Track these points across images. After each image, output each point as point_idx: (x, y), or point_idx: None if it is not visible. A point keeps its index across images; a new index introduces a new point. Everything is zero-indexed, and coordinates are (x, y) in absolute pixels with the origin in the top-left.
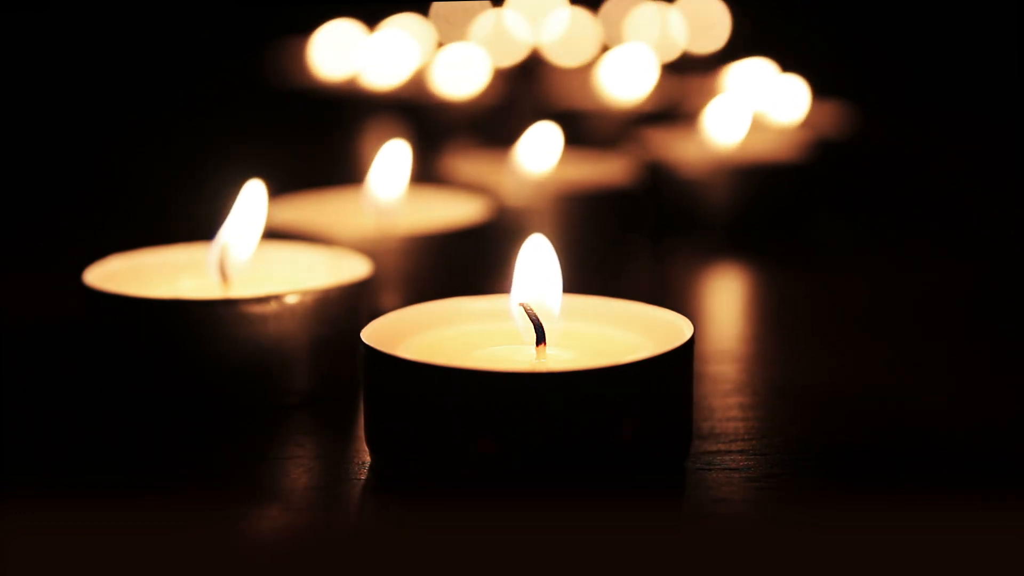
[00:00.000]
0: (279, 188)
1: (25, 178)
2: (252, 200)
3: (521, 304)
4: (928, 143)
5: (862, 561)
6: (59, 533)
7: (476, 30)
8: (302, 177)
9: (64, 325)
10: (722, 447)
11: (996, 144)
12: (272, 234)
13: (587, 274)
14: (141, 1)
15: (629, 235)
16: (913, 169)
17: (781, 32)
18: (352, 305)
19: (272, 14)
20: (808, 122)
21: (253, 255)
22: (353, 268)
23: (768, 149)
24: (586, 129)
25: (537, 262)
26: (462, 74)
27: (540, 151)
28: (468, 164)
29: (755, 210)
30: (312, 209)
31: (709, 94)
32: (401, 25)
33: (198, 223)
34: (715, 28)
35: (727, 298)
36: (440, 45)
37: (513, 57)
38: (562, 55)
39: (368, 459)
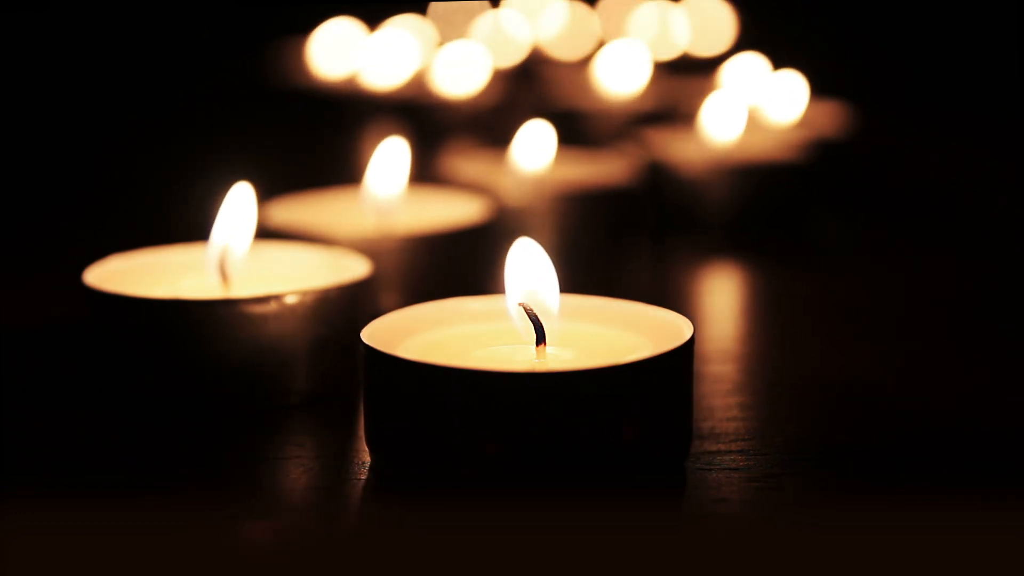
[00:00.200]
0: (279, 188)
1: (25, 178)
2: (241, 202)
3: (521, 304)
4: (927, 143)
5: (862, 561)
6: (59, 533)
7: (476, 29)
8: (302, 177)
9: (64, 325)
10: (722, 447)
11: (996, 144)
12: (272, 234)
13: (586, 274)
14: (141, 1)
15: (628, 235)
16: (912, 169)
17: (781, 31)
18: (352, 305)
19: (272, 14)
20: (806, 121)
21: (249, 255)
22: (353, 268)
23: (767, 148)
24: (585, 128)
25: (527, 265)
26: (462, 73)
27: (535, 149)
28: (468, 164)
29: (754, 210)
30: (312, 209)
31: (708, 94)
32: (401, 25)
33: (198, 223)
34: (719, 30)
35: (726, 298)
36: (440, 44)
37: (512, 56)
38: (561, 51)
39: (368, 459)
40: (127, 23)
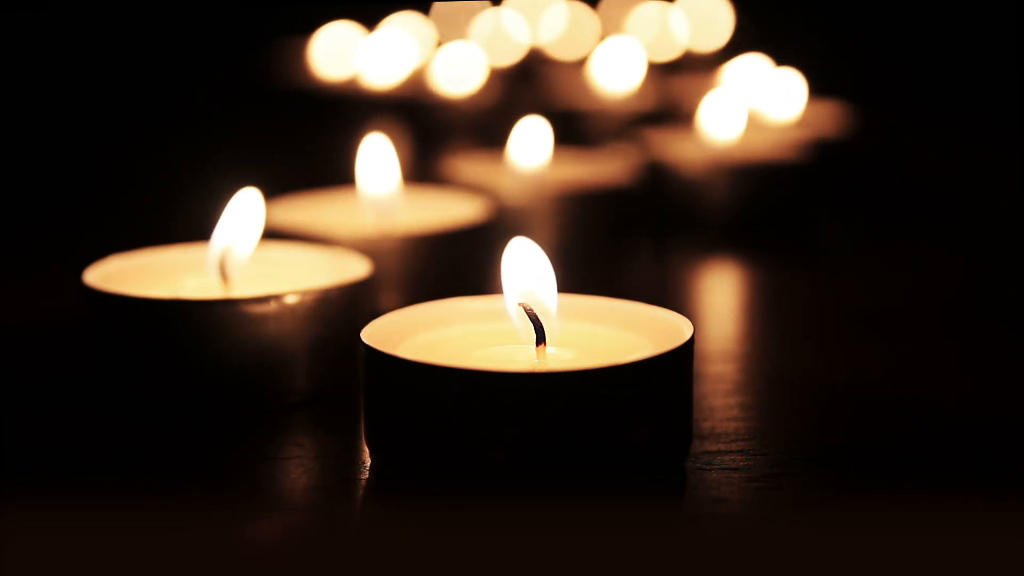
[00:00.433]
0: (279, 188)
1: (25, 178)
2: (247, 204)
3: (520, 304)
4: (927, 143)
5: (862, 561)
6: (59, 533)
7: (475, 29)
8: (302, 177)
9: (64, 325)
10: (722, 447)
11: (996, 144)
12: (272, 234)
13: (586, 274)
14: (141, 1)
15: (628, 235)
16: (912, 169)
17: (781, 30)
18: (352, 305)
19: (272, 14)
20: (806, 120)
21: (252, 255)
22: (353, 268)
23: (767, 148)
24: (585, 128)
25: (524, 264)
26: (461, 73)
27: (532, 147)
28: (468, 164)
29: (754, 210)
30: (312, 209)
31: (708, 93)
32: (400, 24)
33: (198, 223)
34: (717, 26)
35: (727, 298)
36: (440, 44)
37: (512, 56)
38: (561, 51)
39: (368, 459)
40: (127, 23)
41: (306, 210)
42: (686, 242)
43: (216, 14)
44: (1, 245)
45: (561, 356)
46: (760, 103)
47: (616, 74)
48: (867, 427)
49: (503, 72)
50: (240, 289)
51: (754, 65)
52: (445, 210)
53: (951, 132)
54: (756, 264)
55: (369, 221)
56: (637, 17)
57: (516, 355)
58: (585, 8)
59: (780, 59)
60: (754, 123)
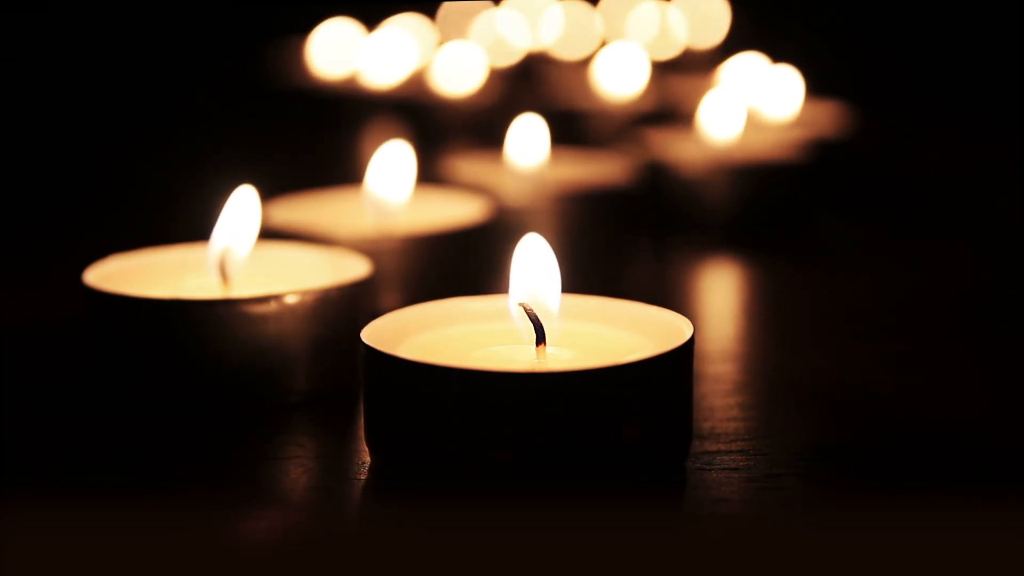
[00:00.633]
0: (279, 188)
1: (25, 178)
2: (244, 204)
3: (521, 304)
4: (927, 142)
5: (862, 561)
6: (59, 533)
7: (475, 29)
8: (302, 177)
9: (64, 325)
10: (722, 447)
11: (996, 143)
12: (272, 234)
13: (587, 274)
14: (141, 1)
15: (628, 235)
16: (912, 168)
17: (780, 28)
18: (352, 305)
19: (272, 14)
20: (805, 120)
21: (253, 255)
22: (353, 268)
23: (766, 148)
24: (585, 128)
25: (533, 261)
26: (461, 73)
27: (530, 146)
28: (468, 164)
29: (754, 209)
30: (312, 209)
31: (707, 92)
32: (400, 24)
33: (198, 223)
34: (714, 24)
35: (727, 298)
36: (440, 44)
37: (512, 56)
38: (561, 51)
39: (368, 459)
40: (127, 23)
41: (306, 210)
42: (686, 242)
43: (216, 14)
44: (1, 245)
45: (561, 356)
46: (758, 101)
47: (618, 77)
48: (867, 427)
49: (503, 72)
50: (240, 289)
51: (751, 63)
52: (445, 210)
53: (951, 132)
54: (756, 264)
55: (369, 221)
56: (636, 16)
57: (516, 355)
58: (585, 8)
59: (777, 57)
60: (753, 123)
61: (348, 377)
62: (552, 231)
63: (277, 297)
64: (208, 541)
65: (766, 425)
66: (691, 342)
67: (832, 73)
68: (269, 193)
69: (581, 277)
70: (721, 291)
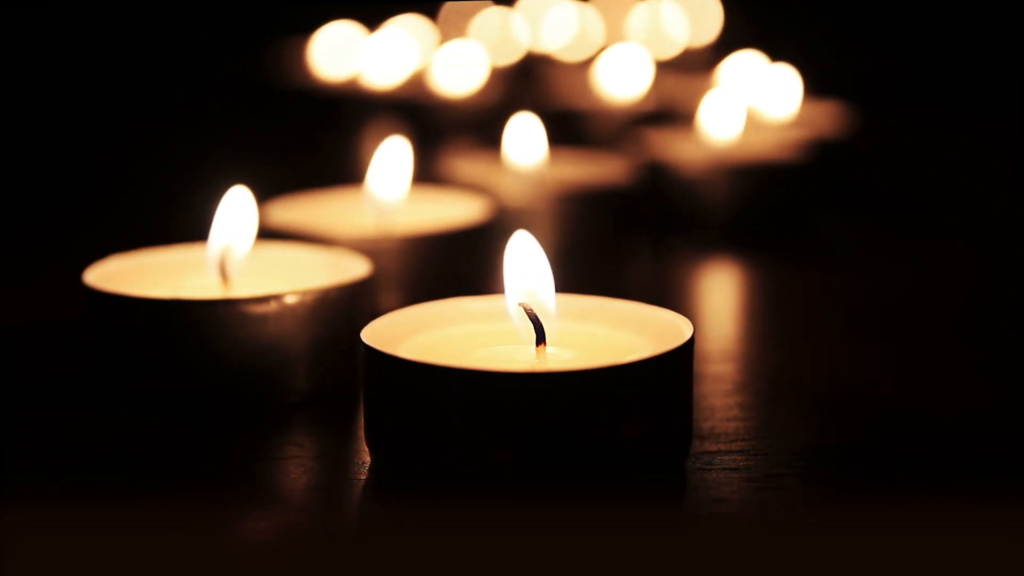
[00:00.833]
0: (279, 188)
1: (25, 178)
2: (239, 204)
3: (520, 304)
4: (928, 142)
5: (862, 561)
6: (59, 533)
7: (475, 28)
8: (302, 177)
9: (64, 325)
10: (722, 447)
11: (996, 143)
12: (272, 234)
13: (587, 274)
14: (141, 1)
15: (628, 235)
16: (912, 169)
17: (779, 29)
18: (352, 305)
19: (272, 14)
20: (805, 120)
21: (253, 255)
22: (353, 268)
23: (766, 148)
24: (585, 128)
25: (525, 259)
26: (462, 73)
27: (527, 144)
28: (468, 164)
29: (754, 210)
30: (312, 209)
31: (706, 92)
32: (401, 24)
33: (198, 223)
34: (712, 23)
35: (727, 298)
36: (440, 44)
37: (512, 56)
38: (562, 52)
39: (368, 459)
40: (127, 23)
41: (306, 210)
42: (686, 242)
43: (216, 14)
44: (1, 245)
45: (561, 356)
46: (756, 100)
47: (621, 79)
48: (867, 427)
49: (504, 71)
50: (240, 289)
51: (750, 62)
52: (445, 210)
53: (951, 132)
54: (756, 264)
55: (369, 221)
56: (634, 16)
57: (516, 355)
58: (586, 7)
59: (775, 55)
60: (753, 123)
61: (348, 377)
62: (552, 231)
63: (277, 297)
64: (208, 541)
65: (766, 425)
66: (691, 342)
67: (832, 73)
68: (269, 193)
69: (581, 277)
70: (721, 291)
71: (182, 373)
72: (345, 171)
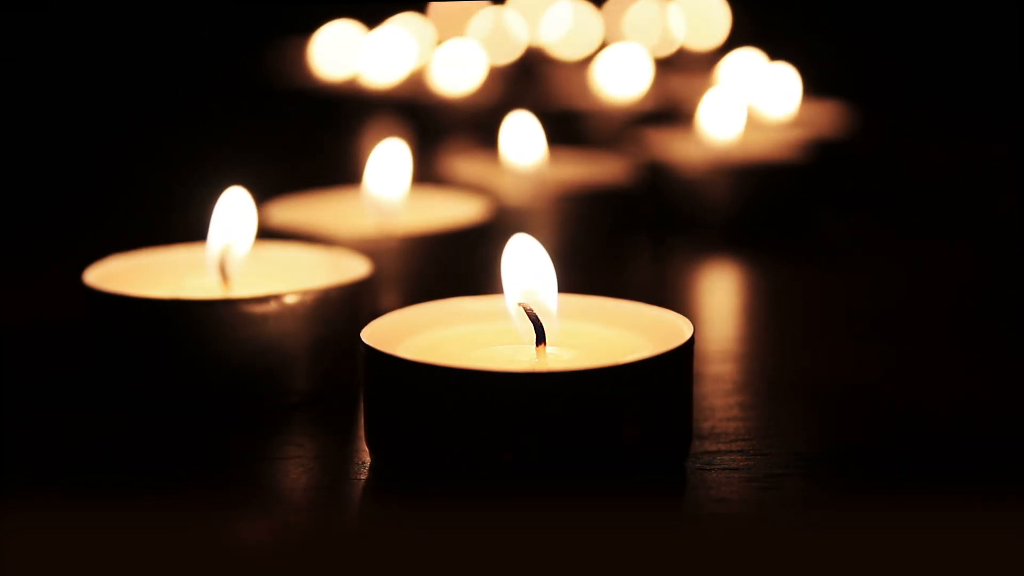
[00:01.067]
0: (279, 188)
1: (25, 178)
2: (237, 204)
3: (520, 304)
4: (928, 142)
5: (862, 561)
6: (59, 533)
7: (474, 27)
8: (302, 177)
9: (64, 325)
10: (722, 447)
11: (996, 143)
12: (272, 234)
13: (587, 274)
14: (141, 1)
15: (628, 235)
16: (912, 168)
17: (779, 28)
18: (352, 305)
19: (272, 14)
20: (805, 119)
21: (253, 255)
22: (353, 268)
23: (767, 148)
24: (585, 128)
25: (525, 260)
26: (460, 72)
27: (525, 144)
28: (468, 164)
29: (754, 210)
30: (312, 209)
31: (706, 91)
32: (400, 23)
33: (198, 223)
34: (713, 23)
35: (727, 298)
36: (438, 43)
37: (511, 55)
38: (562, 51)
39: (368, 459)
40: (127, 23)
41: (306, 210)
42: (686, 242)
43: (216, 14)
44: (1, 245)
45: (561, 356)
46: (756, 100)
47: (621, 78)
48: (867, 427)
49: (503, 70)
50: (240, 289)
51: (749, 61)
52: (445, 210)
53: (951, 132)
54: (756, 264)
55: (369, 221)
56: (634, 14)
57: (516, 355)
58: (586, 7)
59: (775, 55)
60: (753, 122)
61: (348, 377)
62: (552, 231)
63: (277, 297)
64: (208, 541)
65: (766, 425)
66: (691, 342)
67: (832, 73)
68: (269, 193)
69: (581, 277)
70: (721, 291)
71: (182, 373)
72: (345, 171)
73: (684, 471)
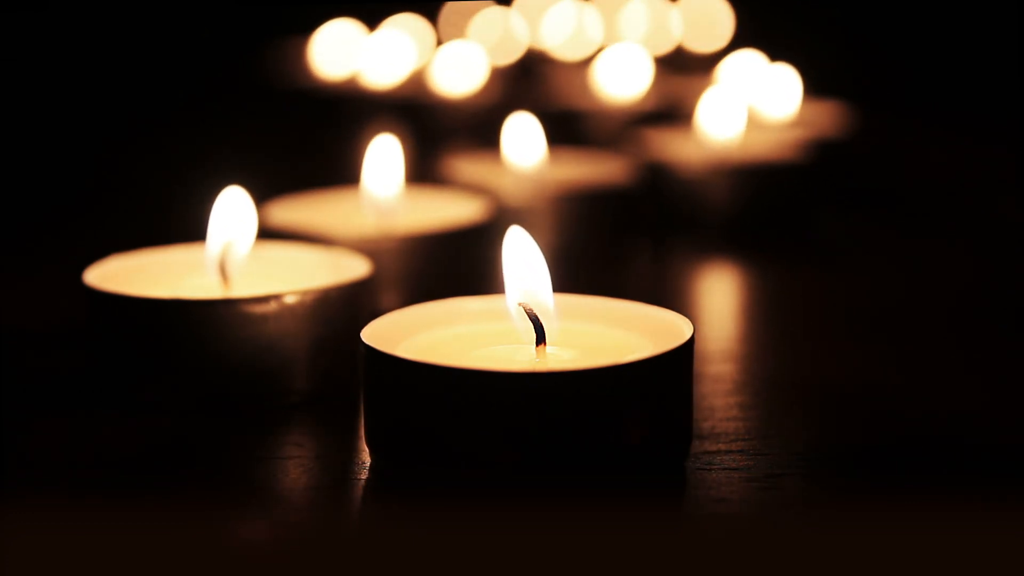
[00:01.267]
0: (279, 188)
1: (25, 178)
2: (236, 204)
3: (520, 304)
4: (928, 142)
5: (862, 561)
6: (59, 533)
7: (475, 28)
8: (302, 177)
9: (64, 325)
10: (722, 447)
11: (996, 143)
12: (272, 234)
13: (586, 274)
14: (141, 1)
15: (628, 235)
16: (912, 168)
17: (779, 28)
18: (352, 305)
19: (272, 14)
20: (805, 120)
21: (252, 255)
22: (353, 268)
23: (767, 148)
24: (585, 128)
25: (522, 258)
26: (461, 73)
27: (525, 144)
28: (468, 164)
29: (754, 210)
30: (312, 209)
31: (706, 92)
32: (400, 24)
33: (198, 223)
34: (716, 26)
35: (727, 298)
36: (440, 44)
37: (511, 55)
38: (562, 51)
39: (368, 459)
40: (127, 23)
41: (306, 210)
42: (686, 242)
43: (216, 14)
44: (1, 245)
45: (561, 356)
46: (756, 100)
47: (621, 79)
48: (867, 427)
49: (503, 71)
50: (240, 289)
51: (749, 61)
52: (445, 210)
53: (951, 132)
54: (756, 264)
55: (369, 221)
56: (630, 12)
57: (516, 355)
58: (586, 6)
59: (775, 55)
60: (753, 123)
61: (348, 377)
62: (552, 231)
63: (277, 297)
64: (208, 541)
65: (766, 425)
66: (691, 342)
67: (832, 73)
68: (269, 193)
69: (581, 277)
70: (721, 291)
71: (182, 373)
72: (345, 171)
73: (684, 471)
